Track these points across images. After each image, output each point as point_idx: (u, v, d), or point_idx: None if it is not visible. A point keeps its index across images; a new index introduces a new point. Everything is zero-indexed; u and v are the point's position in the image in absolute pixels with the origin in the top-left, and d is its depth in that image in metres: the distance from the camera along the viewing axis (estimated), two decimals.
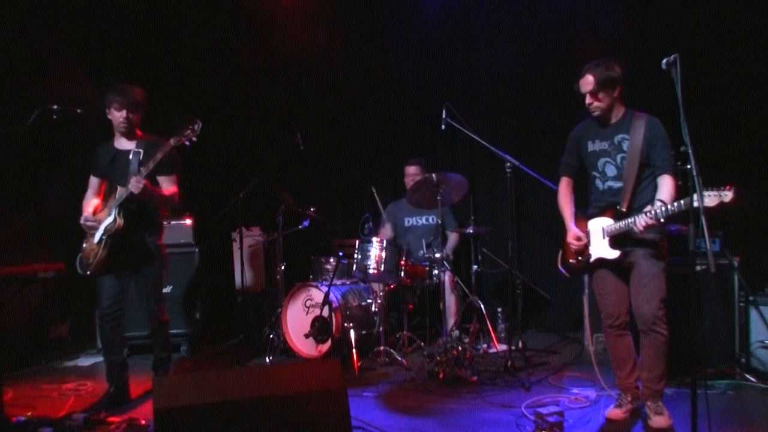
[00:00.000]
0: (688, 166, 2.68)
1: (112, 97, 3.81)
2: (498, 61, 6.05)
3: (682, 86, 2.70)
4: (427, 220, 5.54)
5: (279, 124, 6.36)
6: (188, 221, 5.58)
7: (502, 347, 4.87)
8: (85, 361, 5.13)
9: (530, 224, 6.03)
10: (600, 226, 3.36)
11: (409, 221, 5.61)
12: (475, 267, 5.25)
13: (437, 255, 4.70)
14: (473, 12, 6.13)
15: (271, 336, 5.03)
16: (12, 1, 5.28)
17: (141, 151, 3.81)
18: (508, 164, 4.42)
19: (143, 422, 3.49)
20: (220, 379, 2.57)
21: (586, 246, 3.42)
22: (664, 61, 2.76)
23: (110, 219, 3.75)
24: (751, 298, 4.05)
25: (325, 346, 4.71)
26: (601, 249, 3.36)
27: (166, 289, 5.40)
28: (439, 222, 4.56)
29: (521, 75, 6.00)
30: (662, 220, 3.02)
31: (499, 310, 5.43)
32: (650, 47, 5.02)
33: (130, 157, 3.82)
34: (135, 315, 5.12)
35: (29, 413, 3.67)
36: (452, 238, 5.51)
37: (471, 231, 5.24)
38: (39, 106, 3.50)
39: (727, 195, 2.78)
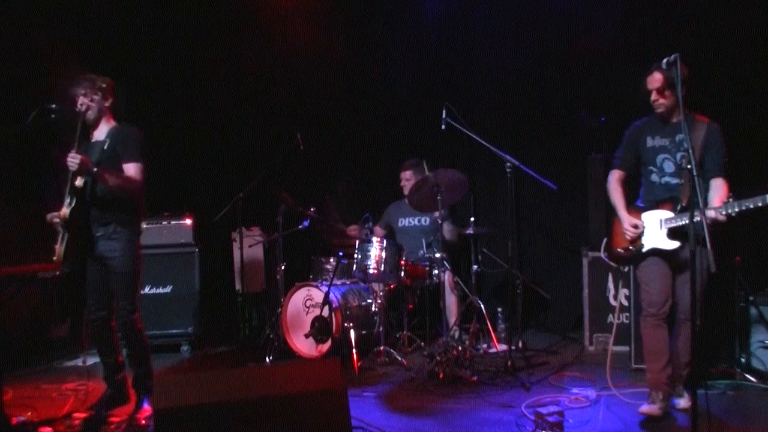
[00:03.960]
0: (689, 166, 2.70)
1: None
2: (498, 61, 6.05)
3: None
4: (420, 221, 5.53)
5: (279, 124, 6.36)
6: (188, 221, 5.57)
7: (502, 347, 4.87)
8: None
9: (530, 224, 6.04)
10: (658, 218, 3.41)
11: (402, 222, 5.60)
12: (475, 267, 5.24)
13: (437, 255, 4.69)
14: (473, 12, 6.13)
15: (271, 336, 5.03)
16: (12, 1, 5.28)
17: (108, 140, 3.55)
18: (508, 164, 4.42)
19: (143, 422, 3.49)
20: (220, 379, 2.57)
21: (641, 235, 3.46)
22: (664, 61, 2.78)
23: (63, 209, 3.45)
24: (751, 298, 4.05)
25: (325, 346, 4.71)
26: (657, 239, 3.41)
27: (166, 290, 5.42)
28: (440, 222, 4.55)
29: (521, 75, 6.00)
30: (733, 215, 3.10)
31: (499, 310, 5.42)
32: (650, 47, 5.02)
33: (96, 147, 3.57)
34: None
35: (29, 413, 3.67)
36: (447, 229, 5.40)
37: (471, 231, 5.25)
38: (38, 106, 3.48)
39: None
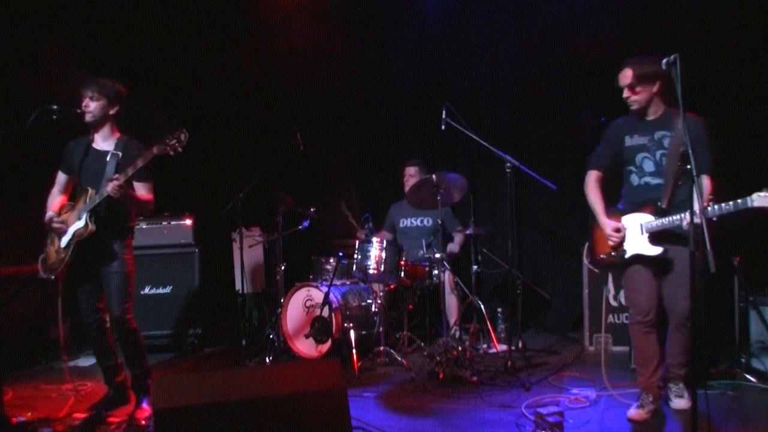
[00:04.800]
0: (688, 167, 2.69)
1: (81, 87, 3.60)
2: (498, 61, 6.05)
3: (683, 86, 2.70)
4: (422, 221, 5.53)
5: (279, 124, 6.37)
6: (188, 221, 5.58)
7: (502, 347, 4.87)
8: (85, 361, 5.13)
9: (530, 224, 6.04)
10: (638, 222, 3.32)
11: (404, 222, 5.60)
12: (475, 267, 5.25)
13: (437, 255, 4.70)
14: (473, 12, 6.14)
15: (271, 336, 5.03)
16: (12, 1, 5.28)
17: (120, 153, 3.55)
18: (508, 164, 4.42)
19: (143, 422, 3.49)
20: (220, 380, 2.57)
21: (623, 240, 3.37)
22: (664, 61, 2.76)
23: (81, 224, 3.50)
24: (751, 298, 4.04)
25: (325, 347, 4.71)
26: (639, 245, 3.32)
27: (166, 290, 5.43)
28: (439, 222, 4.56)
29: (521, 75, 6.00)
30: (714, 219, 2.97)
31: (499, 310, 5.43)
32: (650, 47, 5.01)
33: (108, 158, 3.55)
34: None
35: (29, 413, 3.67)
36: (458, 236, 5.50)
37: (471, 231, 5.25)
38: (39, 106, 3.48)
39: None
